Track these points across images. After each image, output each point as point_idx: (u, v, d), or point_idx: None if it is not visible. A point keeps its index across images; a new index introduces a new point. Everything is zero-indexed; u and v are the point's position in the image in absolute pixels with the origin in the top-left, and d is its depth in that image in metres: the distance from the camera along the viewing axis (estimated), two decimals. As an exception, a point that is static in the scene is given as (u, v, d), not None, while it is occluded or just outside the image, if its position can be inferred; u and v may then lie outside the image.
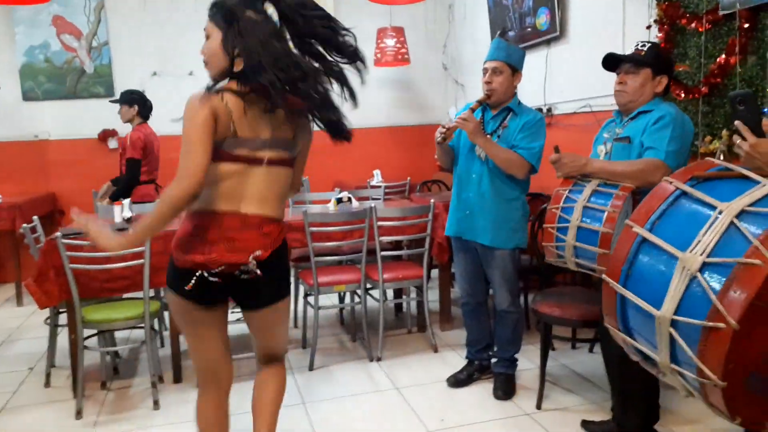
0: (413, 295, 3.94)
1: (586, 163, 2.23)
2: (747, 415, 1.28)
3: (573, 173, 2.25)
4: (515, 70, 2.81)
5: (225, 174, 1.70)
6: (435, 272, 4.14)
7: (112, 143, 5.73)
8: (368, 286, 3.62)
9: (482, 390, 3.04)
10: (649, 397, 2.33)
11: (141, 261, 2.85)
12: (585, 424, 2.61)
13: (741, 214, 1.24)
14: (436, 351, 3.57)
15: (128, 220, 3.43)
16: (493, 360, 3.08)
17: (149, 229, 1.66)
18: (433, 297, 3.89)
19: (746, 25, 2.87)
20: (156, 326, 3.47)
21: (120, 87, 5.66)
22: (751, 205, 1.24)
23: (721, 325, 1.15)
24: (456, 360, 3.41)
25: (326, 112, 1.74)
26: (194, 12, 5.90)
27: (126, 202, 3.51)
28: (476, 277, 3.01)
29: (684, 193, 1.38)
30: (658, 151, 2.16)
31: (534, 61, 4.66)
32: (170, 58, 5.88)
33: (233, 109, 1.66)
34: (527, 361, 3.27)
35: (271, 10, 1.69)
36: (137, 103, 4.33)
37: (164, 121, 4.39)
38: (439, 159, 3.10)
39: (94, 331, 3.12)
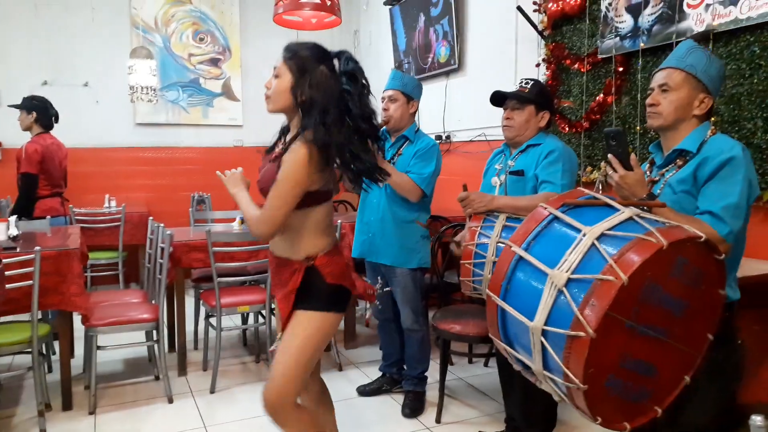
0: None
1: (492, 200, 2.37)
2: (607, 416, 1.45)
3: (481, 209, 2.37)
4: (410, 98, 2.99)
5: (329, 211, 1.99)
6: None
7: (-5, 155, 5.33)
8: (273, 306, 3.61)
9: (389, 406, 3.13)
10: (550, 406, 2.50)
11: (29, 282, 2.69)
12: None
13: (601, 237, 1.42)
14: (340, 369, 3.62)
15: (14, 239, 3.22)
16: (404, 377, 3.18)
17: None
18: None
19: (620, 69, 3.21)
20: (44, 351, 3.27)
21: (5, 95, 5.31)
22: (610, 229, 1.43)
23: (581, 333, 1.32)
24: (360, 378, 3.48)
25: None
26: (90, 21, 5.68)
27: (12, 219, 3.28)
28: (382, 295, 3.12)
29: (556, 218, 1.56)
30: (554, 185, 2.35)
31: (434, 91, 4.91)
32: (63, 67, 5.60)
33: None
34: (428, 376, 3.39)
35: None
36: (36, 110, 4.06)
37: (57, 133, 4.25)
38: (344, 182, 3.18)
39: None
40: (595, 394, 1.40)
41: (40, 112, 4.06)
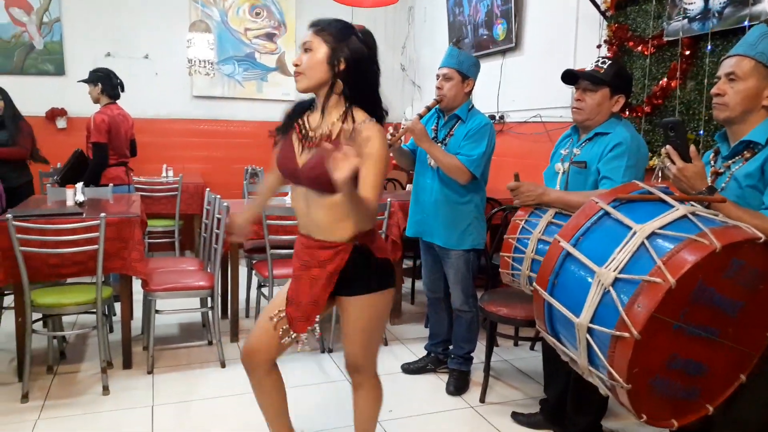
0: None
1: (543, 193, 2.26)
2: (651, 413, 1.45)
3: (530, 202, 2.29)
4: (465, 77, 2.93)
5: None
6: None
7: (61, 122, 5.58)
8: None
9: (434, 383, 3.18)
10: (602, 395, 2.47)
11: (95, 246, 2.83)
12: (515, 415, 2.78)
13: (651, 236, 1.39)
14: (386, 344, 3.68)
15: (81, 204, 3.39)
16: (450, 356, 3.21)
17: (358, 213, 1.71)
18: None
19: (687, 52, 3.10)
20: (106, 312, 3.44)
21: (71, 66, 5.52)
22: (661, 228, 1.40)
23: (626, 334, 1.31)
24: (405, 353, 3.53)
25: None
26: (152, -6, 5.81)
27: (79, 186, 3.45)
28: (435, 274, 3.15)
29: (607, 213, 1.53)
30: (613, 182, 2.20)
31: (489, 70, 4.83)
32: (125, 39, 5.76)
33: None
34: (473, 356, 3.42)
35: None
36: (102, 81, 4.23)
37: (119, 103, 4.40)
38: (396, 160, 3.21)
39: (40, 315, 3.07)
40: (640, 393, 1.39)
41: (105, 83, 4.22)
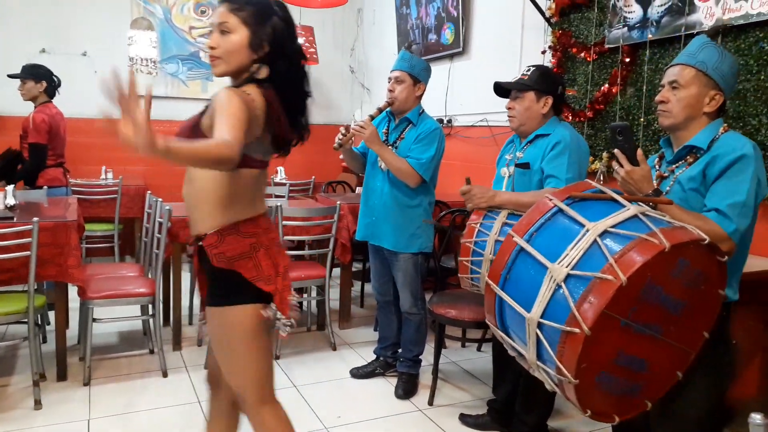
0: (314, 293, 3.99)
1: (494, 195, 2.30)
2: (597, 409, 1.48)
3: (482, 205, 2.32)
4: (417, 80, 2.94)
5: (255, 179, 1.69)
6: (336, 270, 4.21)
7: (-8, 122, 5.27)
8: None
9: (383, 387, 3.16)
10: (551, 394, 2.50)
11: (27, 253, 2.68)
12: (462, 417, 2.80)
13: (604, 234, 1.42)
14: (334, 349, 3.64)
15: (11, 208, 3.20)
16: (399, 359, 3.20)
17: (179, 155, 1.32)
18: (333, 296, 3.96)
19: (627, 59, 3.20)
20: (39, 321, 3.27)
21: (3, 62, 5.23)
22: (613, 226, 1.42)
23: (576, 330, 1.33)
24: (354, 358, 3.50)
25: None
26: (91, -12, 5.58)
27: (9, 188, 3.26)
28: (384, 277, 3.14)
29: (560, 210, 1.55)
30: (558, 179, 2.28)
31: (437, 74, 4.86)
32: (62, 35, 5.50)
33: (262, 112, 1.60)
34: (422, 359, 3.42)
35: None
36: (45, 79, 4.01)
37: (55, 102, 4.20)
38: (347, 162, 3.20)
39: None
40: (586, 388, 1.42)
41: (49, 81, 4.03)
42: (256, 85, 1.60)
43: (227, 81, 1.68)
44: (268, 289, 1.63)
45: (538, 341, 1.45)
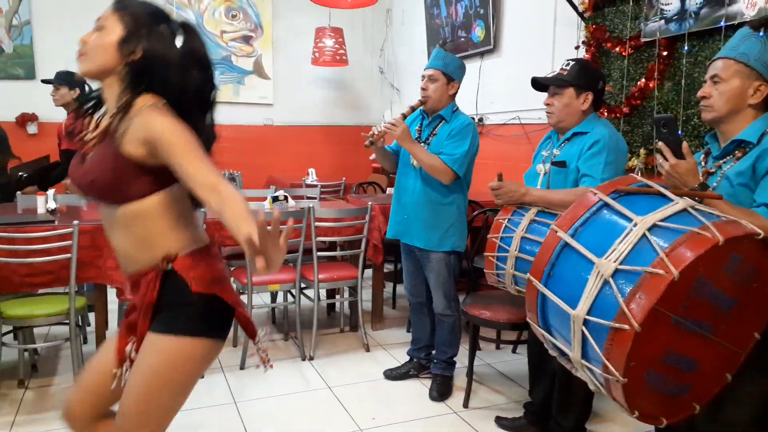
0: (346, 294, 3.99)
1: (526, 193, 2.27)
2: (644, 410, 1.43)
3: (512, 202, 2.29)
4: (451, 79, 2.91)
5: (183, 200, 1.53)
6: (368, 272, 4.21)
7: (32, 128, 5.43)
8: (303, 285, 3.64)
9: (417, 389, 3.13)
10: (587, 395, 2.45)
11: (67, 255, 2.74)
12: (498, 420, 2.75)
13: (653, 228, 1.37)
14: (367, 350, 3.63)
15: (52, 212, 3.29)
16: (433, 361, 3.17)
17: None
18: (365, 297, 3.95)
19: (665, 53, 3.11)
20: (80, 322, 3.34)
21: (42, 69, 5.38)
22: (662, 220, 1.38)
23: (626, 326, 1.29)
24: (387, 359, 3.49)
25: None
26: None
27: (50, 193, 3.35)
28: (417, 278, 3.12)
29: (606, 205, 1.51)
30: (593, 179, 2.19)
31: (467, 72, 4.81)
32: (98, 42, 5.62)
33: None
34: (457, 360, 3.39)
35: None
36: (80, 87, 4.06)
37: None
38: (379, 161, 3.18)
39: (10, 327, 2.97)
40: (634, 388, 1.37)
41: (82, 89, 4.08)
42: (150, 95, 1.46)
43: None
44: (245, 313, 1.54)
45: (584, 339, 1.41)
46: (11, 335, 3.11)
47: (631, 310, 1.29)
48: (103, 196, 1.47)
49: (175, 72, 1.46)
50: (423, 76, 2.94)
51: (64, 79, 4.04)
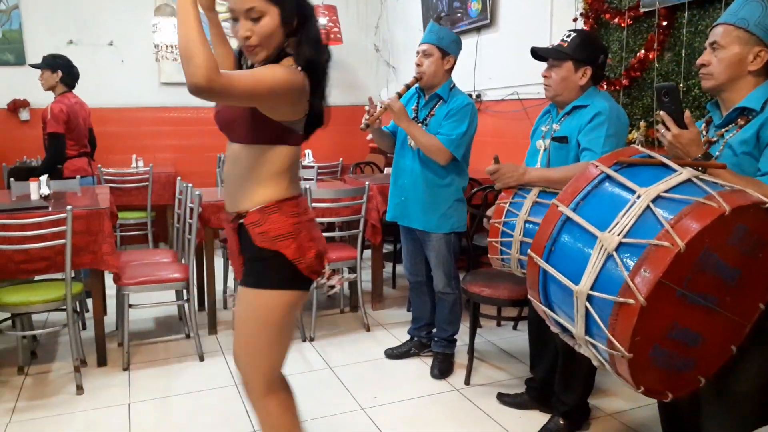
0: (346, 275, 3.97)
1: (524, 173, 2.22)
2: (650, 385, 1.41)
3: (512, 183, 2.23)
4: (446, 53, 2.84)
5: (295, 157, 1.66)
6: (367, 252, 4.19)
7: (24, 114, 5.37)
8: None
9: (419, 367, 3.13)
10: (590, 370, 2.43)
11: (62, 241, 2.70)
12: (500, 396, 2.75)
13: (657, 199, 1.34)
14: (368, 330, 3.62)
15: (46, 198, 3.25)
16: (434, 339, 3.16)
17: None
18: (365, 277, 3.93)
19: (664, 23, 3.05)
20: (78, 308, 3.33)
21: (32, 54, 5.29)
22: (666, 191, 1.34)
23: (631, 301, 1.26)
24: (388, 339, 3.48)
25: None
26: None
27: (43, 178, 3.31)
28: (416, 257, 3.09)
29: (608, 177, 1.47)
30: (594, 153, 2.14)
31: (464, 48, 4.74)
32: (88, 26, 5.54)
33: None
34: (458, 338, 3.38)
35: None
36: (61, 69, 4.01)
37: (82, 93, 4.23)
38: (377, 142, 3.14)
39: (8, 315, 2.95)
40: (639, 363, 1.35)
41: (65, 71, 4.03)
42: (293, 59, 1.57)
43: None
44: (308, 274, 1.61)
45: (588, 315, 1.38)
46: (10, 323, 3.09)
47: (637, 284, 1.26)
48: (222, 127, 1.63)
49: (316, 42, 1.58)
50: (417, 52, 2.88)
51: (46, 62, 4.02)
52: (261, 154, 1.57)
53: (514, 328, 3.67)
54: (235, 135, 1.60)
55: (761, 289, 1.46)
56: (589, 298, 1.36)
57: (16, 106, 5.34)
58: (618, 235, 1.32)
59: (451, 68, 2.89)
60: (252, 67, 1.63)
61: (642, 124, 3.18)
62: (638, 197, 1.36)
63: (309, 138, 1.72)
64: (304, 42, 1.56)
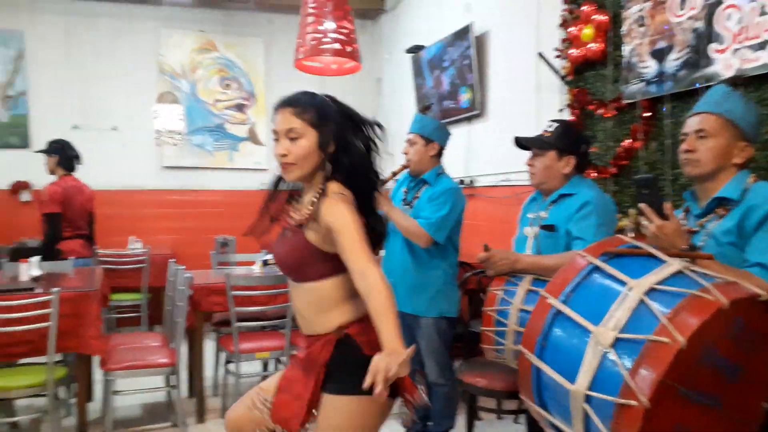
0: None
1: (516, 260, 2.19)
2: None
3: (504, 271, 2.20)
4: (429, 140, 2.94)
5: None
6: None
7: (25, 196, 5.45)
8: (293, 352, 3.54)
9: (412, 461, 2.99)
10: None
11: (47, 324, 2.66)
12: None
13: (650, 292, 1.29)
14: (359, 420, 3.49)
15: (36, 279, 3.23)
16: None
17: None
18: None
19: (647, 114, 3.16)
20: (61, 395, 3.23)
21: (36, 138, 5.46)
22: (659, 283, 1.31)
23: (633, 402, 1.18)
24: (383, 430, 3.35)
25: None
26: (120, 65, 5.84)
27: (34, 260, 3.31)
28: (408, 345, 3.01)
29: (597, 268, 1.44)
30: (586, 242, 2.11)
31: (456, 136, 4.89)
32: (93, 111, 5.74)
33: None
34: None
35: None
36: (57, 153, 4.16)
37: (86, 175, 4.32)
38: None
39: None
40: None
41: (60, 154, 4.17)
42: (336, 182, 1.67)
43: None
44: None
45: (586, 417, 1.30)
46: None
47: (638, 384, 1.19)
48: (290, 272, 1.72)
49: (362, 158, 1.69)
50: (405, 141, 2.99)
51: (47, 148, 4.18)
52: (336, 283, 1.66)
53: (515, 421, 3.54)
54: (305, 276, 1.68)
55: (763, 386, 1.40)
56: (587, 398, 1.29)
57: (17, 187, 5.43)
58: (613, 329, 1.27)
59: (437, 154, 2.98)
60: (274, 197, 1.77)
61: (632, 211, 3.22)
62: (630, 289, 1.32)
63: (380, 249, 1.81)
64: (342, 168, 1.67)
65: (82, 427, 2.98)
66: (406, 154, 2.97)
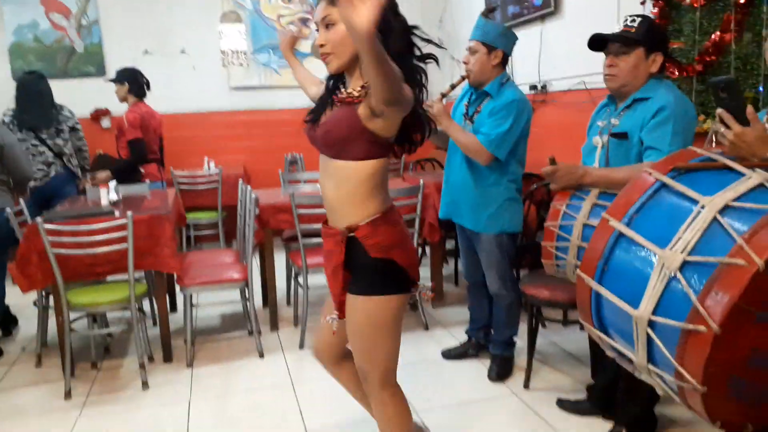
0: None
1: (584, 174, 2.06)
2: (728, 418, 1.24)
3: (570, 186, 2.09)
4: (492, 48, 2.72)
5: (387, 168, 1.73)
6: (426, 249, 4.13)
7: (105, 122, 5.70)
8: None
9: (476, 369, 3.04)
10: None
11: (125, 245, 2.82)
12: (560, 402, 2.62)
13: (725, 210, 1.17)
14: (426, 329, 3.57)
15: (115, 203, 3.41)
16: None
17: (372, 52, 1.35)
18: (425, 274, 3.87)
19: (742, 1, 2.79)
20: (145, 308, 3.48)
21: (111, 66, 5.61)
22: (735, 199, 1.18)
23: (702, 328, 1.10)
24: (447, 338, 3.42)
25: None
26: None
27: (112, 184, 3.48)
28: (470, 258, 3.01)
29: (664, 185, 1.31)
30: (660, 152, 1.97)
31: (528, 38, 4.58)
32: (161, 36, 5.81)
33: None
34: (519, 340, 3.26)
35: None
36: (128, 81, 4.28)
37: (158, 100, 4.44)
38: (432, 140, 3.07)
39: (83, 313, 3.13)
40: (715, 396, 1.18)
41: (131, 81, 4.26)
42: None
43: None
44: (414, 276, 1.73)
45: (650, 342, 1.23)
46: (89, 319, 3.28)
47: (708, 309, 1.09)
48: (330, 147, 1.66)
49: (400, 28, 1.61)
50: (466, 49, 2.79)
51: (117, 76, 4.30)
52: (367, 170, 1.64)
53: (581, 328, 3.50)
54: (346, 153, 1.64)
55: None
56: (651, 323, 1.21)
57: (98, 115, 5.67)
58: (681, 252, 1.16)
59: (500, 62, 2.77)
60: (336, 87, 1.72)
61: (718, 111, 2.92)
62: (702, 207, 1.19)
63: (415, 150, 1.79)
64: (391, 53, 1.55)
65: (165, 337, 3.22)
66: (466, 63, 2.78)
